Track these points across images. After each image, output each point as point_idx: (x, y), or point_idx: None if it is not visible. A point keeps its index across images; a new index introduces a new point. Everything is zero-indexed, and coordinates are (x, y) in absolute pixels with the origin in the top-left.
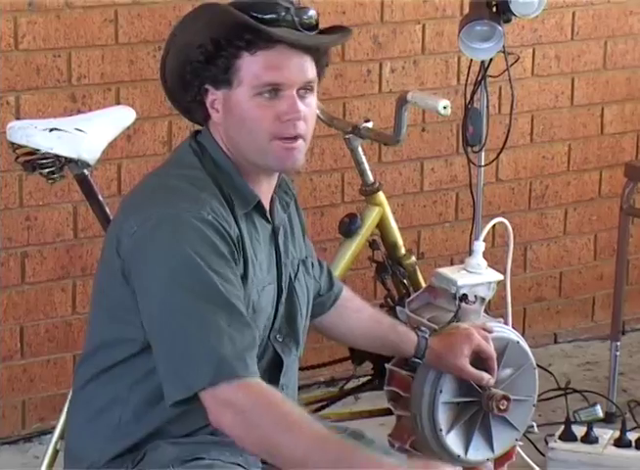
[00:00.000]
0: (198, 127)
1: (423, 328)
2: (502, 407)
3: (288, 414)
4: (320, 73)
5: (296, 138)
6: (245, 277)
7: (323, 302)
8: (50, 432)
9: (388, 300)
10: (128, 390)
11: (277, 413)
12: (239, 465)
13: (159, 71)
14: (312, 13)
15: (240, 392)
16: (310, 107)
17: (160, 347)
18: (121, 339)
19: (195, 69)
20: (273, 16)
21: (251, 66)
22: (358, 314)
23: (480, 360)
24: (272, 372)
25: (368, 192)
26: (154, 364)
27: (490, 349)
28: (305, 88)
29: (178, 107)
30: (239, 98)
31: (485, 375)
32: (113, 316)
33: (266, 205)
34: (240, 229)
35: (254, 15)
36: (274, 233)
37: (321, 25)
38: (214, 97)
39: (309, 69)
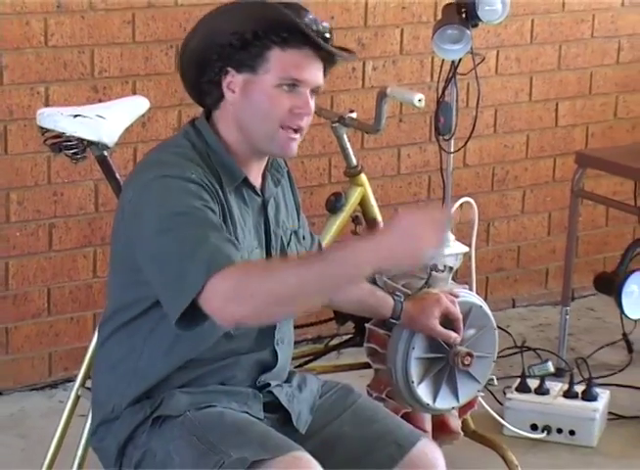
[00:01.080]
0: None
1: (398, 293)
2: (466, 363)
3: (269, 267)
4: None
5: (298, 131)
6: (233, 234)
7: None
8: (72, 380)
9: None
10: (142, 341)
11: (261, 272)
12: (246, 413)
13: (180, 49)
14: (327, 26)
15: (228, 278)
16: (313, 107)
17: (158, 276)
18: (135, 299)
19: (223, 51)
20: (305, 21)
21: (281, 60)
22: None
23: (447, 321)
24: (267, 330)
25: (351, 174)
26: (153, 322)
27: (457, 311)
28: (314, 90)
29: (189, 85)
30: (262, 84)
31: (452, 334)
32: (126, 279)
33: (257, 181)
34: (227, 200)
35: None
36: (264, 205)
37: None
38: (233, 79)
39: (321, 75)
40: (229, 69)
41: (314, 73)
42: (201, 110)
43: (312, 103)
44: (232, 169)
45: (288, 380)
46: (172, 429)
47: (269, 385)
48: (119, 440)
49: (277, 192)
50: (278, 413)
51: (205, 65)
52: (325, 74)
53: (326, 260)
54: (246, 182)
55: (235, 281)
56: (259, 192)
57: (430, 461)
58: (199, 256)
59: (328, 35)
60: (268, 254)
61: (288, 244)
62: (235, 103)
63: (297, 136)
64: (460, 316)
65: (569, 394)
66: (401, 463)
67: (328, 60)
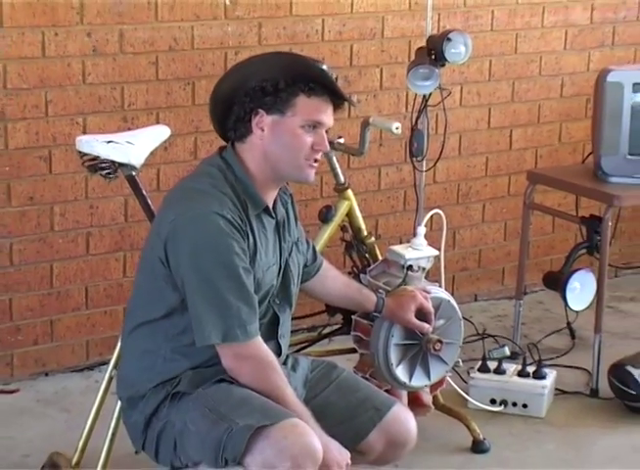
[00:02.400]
0: (221, 143)
1: (380, 290)
2: (437, 348)
3: (272, 378)
4: None
5: (316, 161)
6: (253, 261)
7: (309, 271)
8: (106, 363)
9: (354, 269)
10: (164, 341)
11: (264, 373)
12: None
13: (212, 91)
14: (337, 77)
15: (240, 351)
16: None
17: (193, 306)
18: (160, 302)
19: (255, 94)
20: (324, 72)
21: (306, 105)
22: (334, 280)
23: (421, 314)
24: (272, 326)
25: (340, 190)
26: (175, 330)
27: (429, 306)
28: (327, 130)
29: (217, 122)
30: (289, 125)
31: (425, 325)
32: (154, 284)
33: (271, 204)
34: (251, 225)
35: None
36: (277, 226)
37: None
38: (262, 119)
39: (332, 119)
40: (260, 110)
41: (330, 117)
42: (214, 135)
43: (327, 139)
44: (256, 199)
45: (284, 362)
46: (188, 403)
47: None
48: (145, 415)
49: (284, 212)
50: None
51: (235, 105)
52: (332, 143)
53: (298, 413)
54: (266, 209)
55: (248, 364)
56: (273, 215)
57: (403, 422)
58: (221, 315)
59: (335, 81)
60: (280, 267)
61: (289, 254)
62: (264, 139)
63: (316, 165)
64: (432, 310)
65: (522, 373)
66: (380, 424)
67: (338, 105)
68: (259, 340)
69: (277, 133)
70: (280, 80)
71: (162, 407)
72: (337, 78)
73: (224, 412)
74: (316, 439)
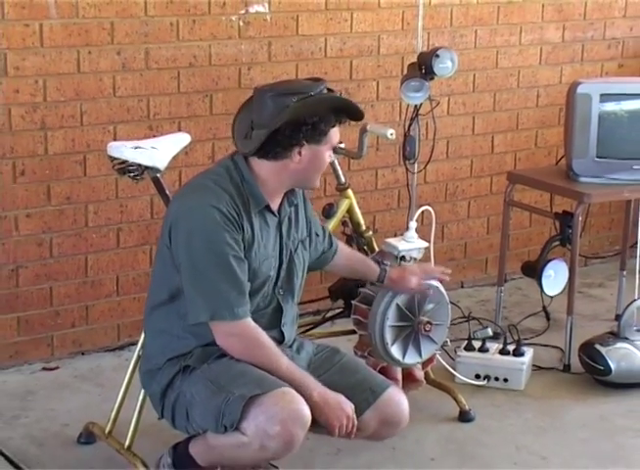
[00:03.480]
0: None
1: (385, 262)
2: (427, 329)
3: (261, 353)
4: None
5: None
6: (249, 251)
7: (326, 256)
8: (135, 344)
9: None
10: (176, 321)
11: (252, 350)
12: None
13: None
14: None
15: (228, 329)
16: None
17: (186, 288)
18: (170, 286)
19: (306, 130)
20: (357, 109)
21: (334, 134)
22: (347, 258)
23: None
24: (276, 314)
25: (341, 189)
26: (183, 310)
27: (423, 289)
28: None
29: (253, 147)
30: (321, 152)
31: (424, 288)
32: (165, 270)
33: (276, 205)
34: (251, 219)
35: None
36: (279, 224)
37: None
38: (303, 148)
39: None
40: (304, 141)
41: None
42: (230, 142)
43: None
44: (258, 198)
45: (290, 345)
46: (196, 376)
47: None
48: (162, 386)
49: (291, 211)
50: None
51: (282, 137)
52: (334, 148)
53: (296, 379)
54: (267, 207)
55: (237, 341)
56: (277, 213)
57: (396, 403)
58: (209, 298)
59: None
60: (280, 260)
61: (295, 251)
62: (300, 163)
63: None
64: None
65: (503, 351)
66: (374, 404)
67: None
68: (248, 321)
69: (313, 159)
70: (330, 119)
71: (176, 380)
72: (340, 93)
73: (223, 384)
74: (305, 405)
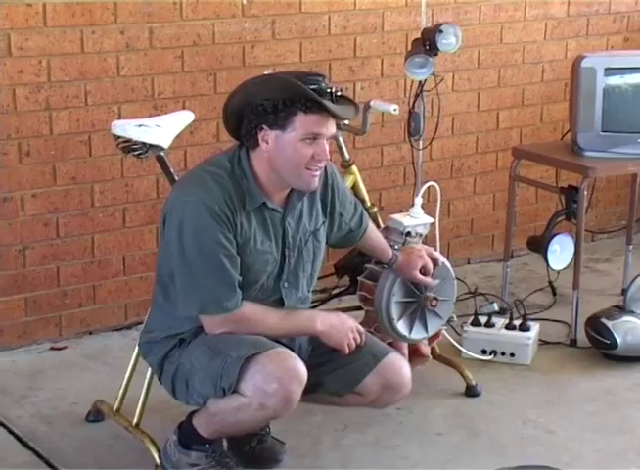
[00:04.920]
0: None
1: (396, 246)
2: (433, 305)
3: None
4: None
5: (318, 170)
6: (244, 246)
7: (354, 235)
8: (142, 323)
9: None
10: (171, 304)
11: (246, 329)
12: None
13: (224, 103)
14: (336, 88)
15: (218, 322)
16: (328, 153)
17: (177, 279)
18: (167, 263)
19: (258, 112)
20: (321, 89)
21: (304, 121)
22: (373, 244)
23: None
24: (276, 306)
25: (346, 166)
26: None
27: (431, 267)
28: (330, 138)
29: (231, 130)
30: (290, 140)
31: (428, 279)
32: (164, 253)
33: (279, 202)
34: (248, 217)
35: (311, 87)
36: (283, 219)
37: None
38: (266, 134)
39: (334, 127)
40: (263, 126)
41: (329, 128)
42: None
43: (327, 148)
44: (255, 196)
45: None
46: (194, 345)
47: None
48: (158, 357)
49: (302, 203)
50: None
51: (244, 118)
52: (338, 125)
53: (295, 325)
54: (265, 204)
55: (226, 329)
56: (280, 209)
57: (397, 368)
58: (197, 293)
59: (339, 93)
60: (282, 253)
61: (305, 243)
62: (269, 151)
63: (318, 173)
64: (431, 270)
65: (509, 326)
66: (375, 369)
67: (339, 117)
68: (237, 312)
69: (280, 147)
70: (279, 101)
71: (174, 352)
72: (340, 90)
73: (221, 348)
74: (299, 361)
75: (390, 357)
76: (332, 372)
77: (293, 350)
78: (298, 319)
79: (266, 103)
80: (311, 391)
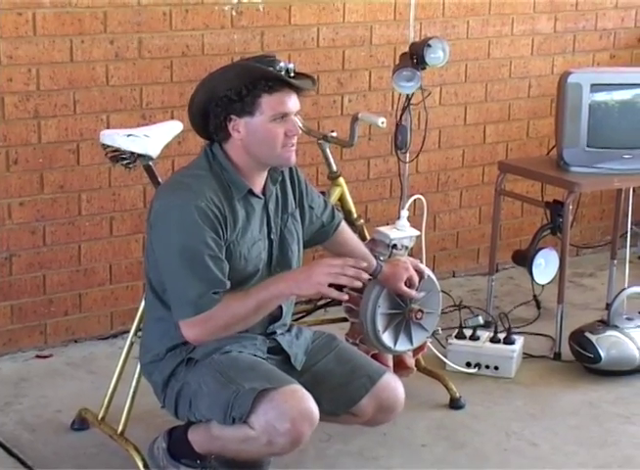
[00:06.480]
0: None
1: (381, 258)
2: (418, 317)
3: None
4: None
5: (293, 145)
6: (236, 239)
7: (326, 230)
8: (128, 332)
9: None
10: (169, 313)
11: (221, 315)
12: (255, 355)
13: (188, 104)
14: (292, 66)
15: (193, 327)
16: (299, 126)
17: (167, 285)
18: (155, 278)
19: (223, 103)
20: (278, 68)
21: (270, 102)
22: (348, 242)
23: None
24: None
25: (333, 178)
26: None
27: (417, 280)
28: (296, 113)
29: (199, 129)
30: (259, 123)
31: (413, 292)
32: (154, 262)
33: (260, 187)
34: (235, 208)
35: (269, 68)
36: (266, 204)
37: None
38: (236, 123)
39: (298, 101)
40: (232, 116)
41: (294, 104)
42: None
43: (298, 121)
44: (239, 185)
45: (289, 330)
46: (202, 368)
47: (275, 333)
48: (164, 376)
49: (277, 188)
50: (281, 355)
51: (210, 114)
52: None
53: (267, 295)
54: (250, 191)
55: (197, 331)
56: (261, 195)
57: (393, 389)
58: (181, 298)
59: (294, 71)
60: (270, 240)
61: (285, 225)
62: (243, 139)
63: (294, 148)
64: (417, 283)
65: (494, 339)
66: (371, 391)
67: (299, 90)
68: (213, 310)
69: (252, 132)
70: (242, 88)
71: (180, 370)
72: (294, 68)
73: (233, 376)
74: (313, 403)
75: (386, 379)
76: (329, 392)
77: (289, 359)
78: (262, 289)
79: (230, 92)
80: None
